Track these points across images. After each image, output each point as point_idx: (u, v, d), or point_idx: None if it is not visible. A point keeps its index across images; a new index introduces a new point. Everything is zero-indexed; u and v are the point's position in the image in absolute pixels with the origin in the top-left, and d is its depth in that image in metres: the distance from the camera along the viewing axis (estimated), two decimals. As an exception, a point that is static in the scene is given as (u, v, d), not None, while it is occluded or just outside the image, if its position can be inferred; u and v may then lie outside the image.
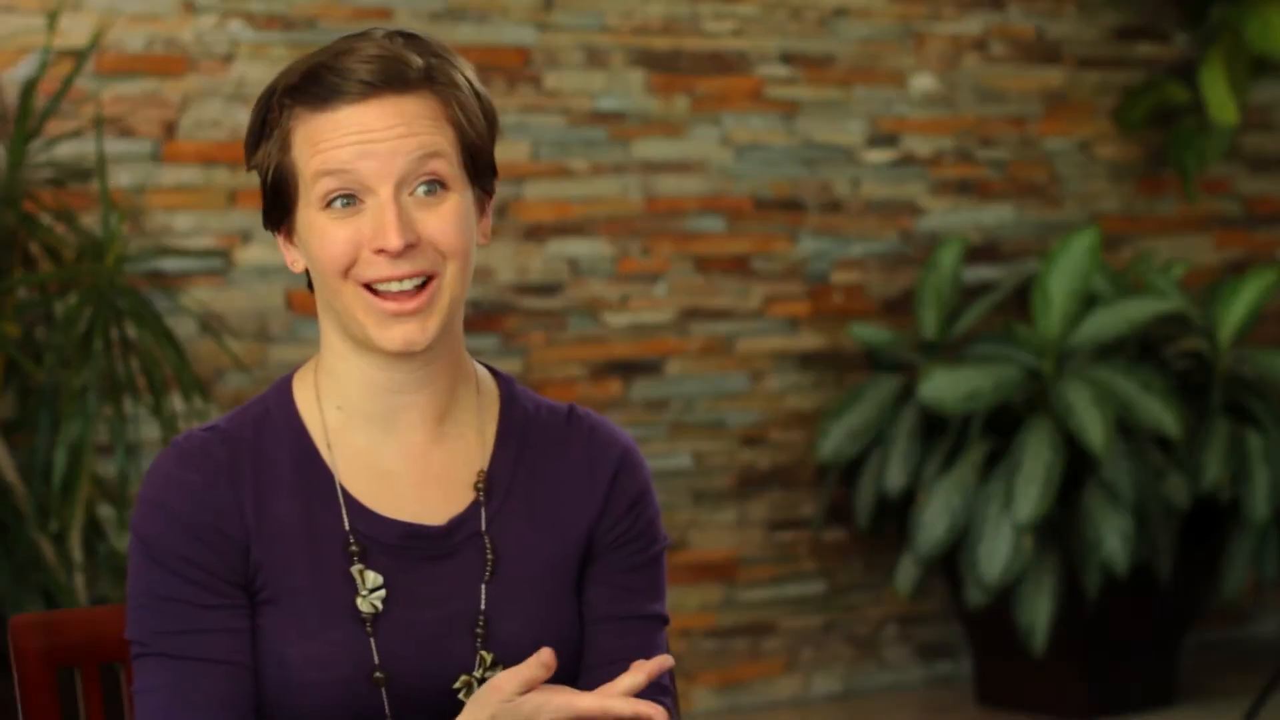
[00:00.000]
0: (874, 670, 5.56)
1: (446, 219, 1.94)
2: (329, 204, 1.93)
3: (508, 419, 2.04)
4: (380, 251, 1.91)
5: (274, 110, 1.96)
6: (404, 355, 1.95)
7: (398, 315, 1.92)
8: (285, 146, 1.95)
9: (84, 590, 4.11)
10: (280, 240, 2.01)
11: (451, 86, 1.96)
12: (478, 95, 1.99)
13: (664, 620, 2.05)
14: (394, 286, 1.92)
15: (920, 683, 5.63)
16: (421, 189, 1.93)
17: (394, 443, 2.00)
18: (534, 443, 2.04)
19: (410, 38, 1.98)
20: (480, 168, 1.98)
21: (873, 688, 5.55)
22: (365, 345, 1.96)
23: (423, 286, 1.93)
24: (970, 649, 5.46)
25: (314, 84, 1.93)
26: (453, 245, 1.94)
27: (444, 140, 1.94)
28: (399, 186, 1.92)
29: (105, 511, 4.41)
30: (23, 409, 4.26)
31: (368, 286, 1.93)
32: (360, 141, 1.91)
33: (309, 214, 1.94)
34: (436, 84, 1.95)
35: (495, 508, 2.00)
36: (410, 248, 1.91)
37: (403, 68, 1.94)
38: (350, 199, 1.93)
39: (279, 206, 1.98)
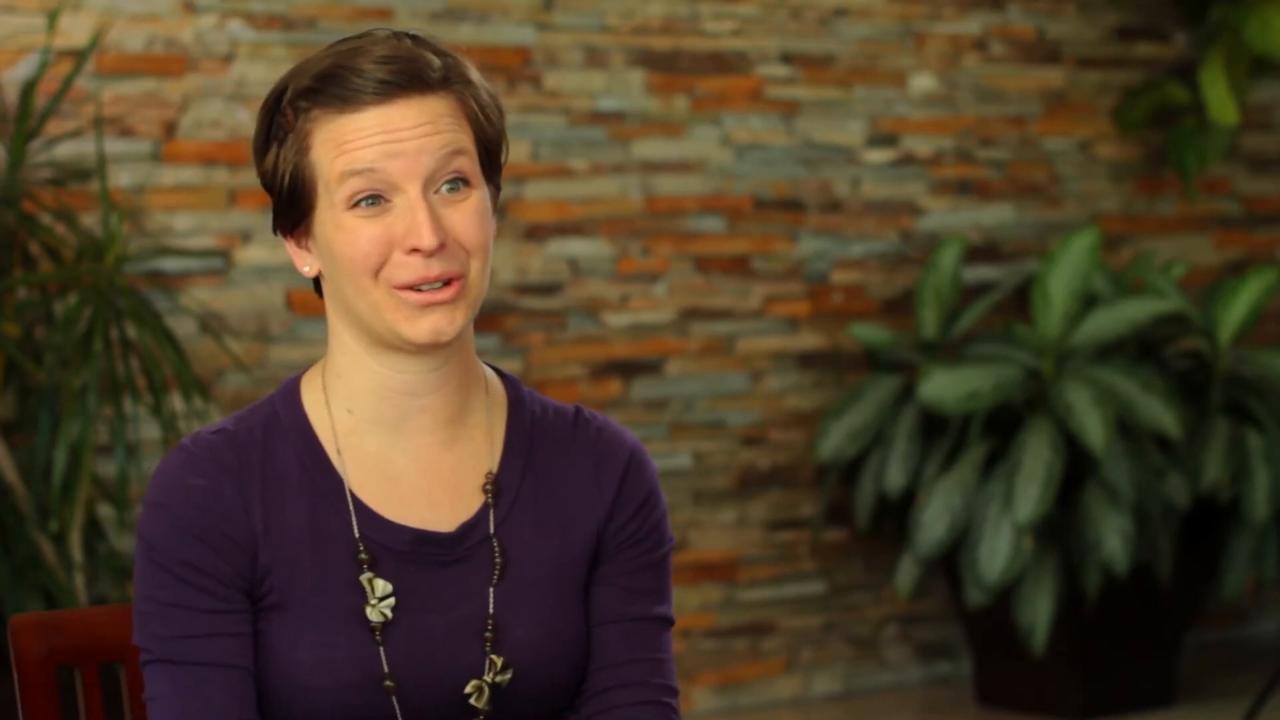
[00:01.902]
0: (874, 670, 5.56)
1: (470, 216, 1.94)
2: (355, 204, 1.92)
3: (516, 422, 2.03)
4: (414, 251, 1.90)
5: (286, 114, 1.95)
6: (427, 350, 1.94)
7: (428, 306, 1.92)
8: (303, 149, 1.93)
9: (84, 590, 4.11)
10: (290, 245, 1.99)
11: (468, 85, 1.96)
12: (489, 93, 1.99)
13: (669, 622, 2.05)
14: (424, 287, 1.91)
15: (920, 683, 5.63)
16: (445, 187, 1.93)
17: (404, 446, 1.99)
18: (542, 445, 2.03)
19: (415, 38, 1.97)
20: (495, 165, 1.99)
21: (873, 688, 5.55)
22: (388, 343, 1.95)
23: (450, 284, 1.93)
24: (970, 649, 5.46)
25: (333, 85, 1.92)
26: (476, 242, 1.94)
27: (465, 138, 1.94)
28: (427, 185, 1.92)
29: (105, 511, 4.41)
30: (23, 409, 4.26)
31: (397, 287, 1.92)
32: (387, 141, 1.90)
33: (333, 215, 1.93)
34: (455, 83, 1.95)
35: (504, 511, 2.00)
36: (441, 247, 1.91)
37: (423, 67, 1.93)
38: (376, 198, 1.92)
39: (295, 210, 1.96)
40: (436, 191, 1.93)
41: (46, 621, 2.12)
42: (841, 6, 5.46)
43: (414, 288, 1.92)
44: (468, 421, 2.01)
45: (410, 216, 1.91)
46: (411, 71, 1.92)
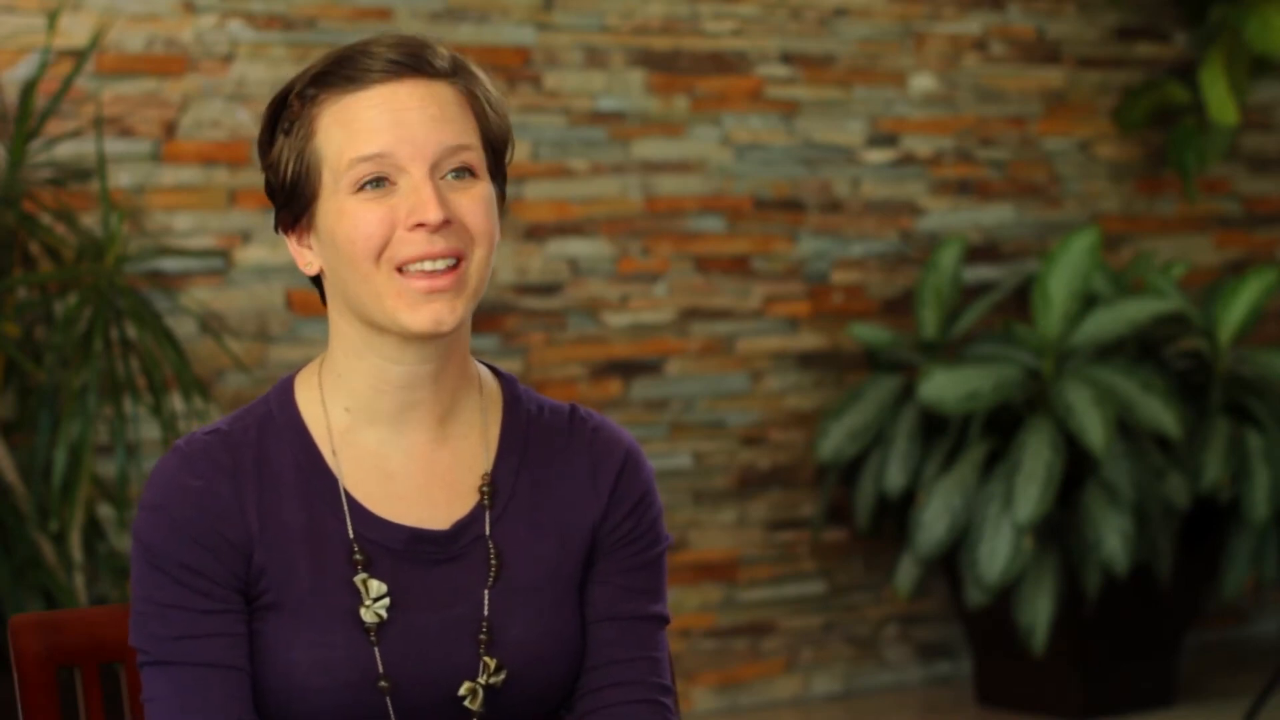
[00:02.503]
0: (874, 670, 5.56)
1: (476, 202, 1.94)
2: (361, 188, 1.92)
3: (511, 421, 2.03)
4: (419, 227, 1.90)
5: (292, 105, 1.96)
6: (426, 339, 1.94)
7: (430, 293, 1.91)
8: (309, 134, 1.94)
9: (84, 590, 4.11)
10: (292, 242, 1.99)
11: (475, 80, 1.98)
12: (496, 92, 2.00)
13: (665, 620, 2.05)
14: (426, 265, 1.91)
15: (920, 683, 5.63)
16: (451, 174, 1.94)
17: (400, 443, 1.99)
18: (537, 444, 2.03)
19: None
20: (500, 162, 2.00)
21: (873, 688, 5.55)
22: (389, 331, 1.94)
23: (453, 268, 1.93)
24: (970, 649, 5.46)
25: (341, 67, 1.93)
26: (481, 228, 1.94)
27: (471, 131, 1.95)
28: (433, 169, 1.92)
29: (105, 511, 4.41)
30: (23, 409, 4.26)
31: (399, 270, 1.92)
32: (395, 122, 1.91)
33: (337, 201, 1.93)
34: (462, 75, 1.97)
35: (499, 511, 2.00)
36: (446, 224, 1.91)
37: (431, 55, 1.95)
38: (381, 180, 1.92)
39: (298, 200, 1.96)
40: (442, 178, 1.93)
41: (46, 621, 2.12)
42: (841, 6, 5.46)
43: (418, 267, 1.91)
44: (460, 420, 2.01)
45: (415, 195, 1.91)
46: (420, 56, 1.94)
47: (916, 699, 5.50)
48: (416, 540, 1.97)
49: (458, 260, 1.93)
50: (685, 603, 5.27)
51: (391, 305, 1.92)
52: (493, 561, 1.98)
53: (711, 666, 5.34)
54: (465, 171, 1.94)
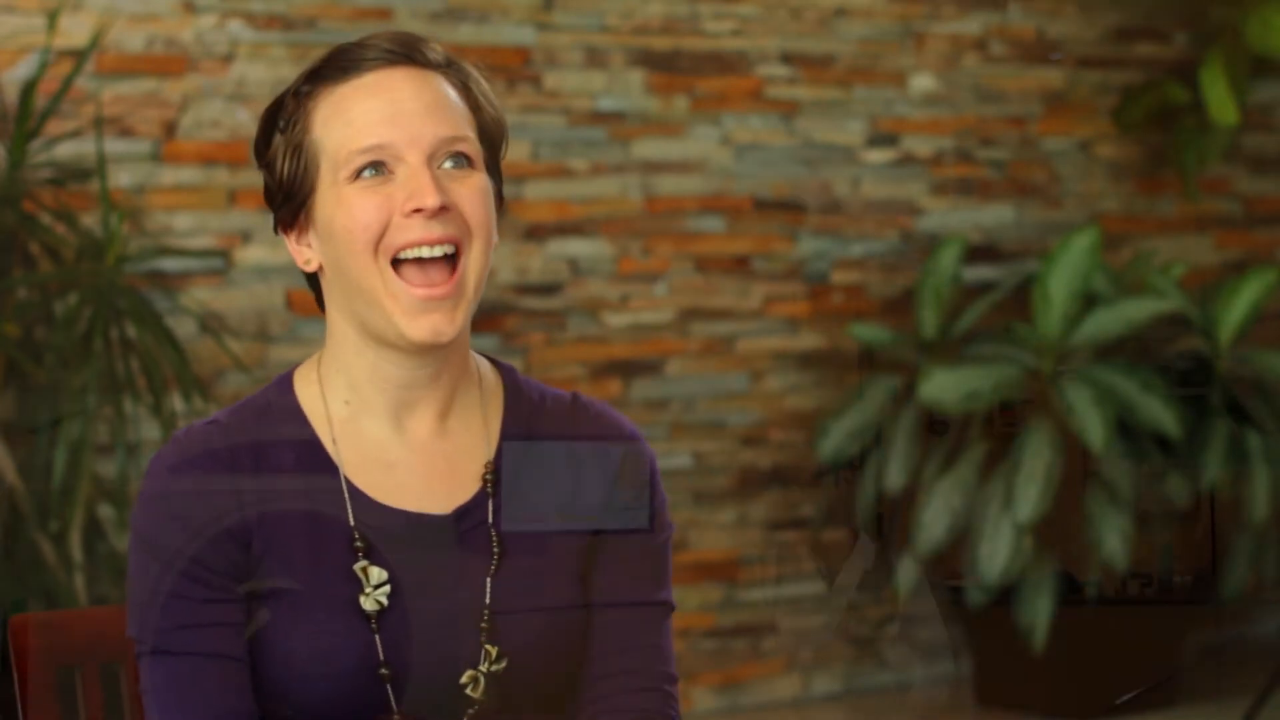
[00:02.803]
0: (874, 670, 5.56)
1: (474, 191, 1.94)
2: (358, 175, 1.92)
3: (513, 410, 2.04)
4: (415, 213, 1.90)
5: (288, 105, 1.96)
6: (427, 348, 1.94)
7: (427, 301, 1.91)
8: (306, 127, 1.94)
9: (84, 590, 4.11)
10: (291, 240, 1.99)
11: (469, 75, 1.99)
12: (490, 87, 2.01)
13: (669, 607, 2.06)
14: (424, 252, 1.91)
15: (920, 683, 5.62)
16: (449, 163, 1.94)
17: (401, 436, 1.99)
18: (539, 431, 2.03)
19: None
20: (495, 157, 2.00)
21: (873, 688, 5.55)
22: (387, 340, 1.95)
23: (452, 266, 1.92)
24: (970, 649, 5.45)
25: (336, 59, 1.95)
26: (479, 218, 1.94)
27: (467, 122, 1.96)
28: (430, 158, 1.93)
29: (105, 511, 4.41)
30: (23, 409, 4.26)
31: (396, 266, 1.91)
32: (392, 112, 1.92)
33: (335, 192, 1.93)
34: (456, 69, 1.97)
35: (501, 499, 2.00)
36: (443, 210, 1.91)
37: (425, 47, 1.96)
38: (379, 166, 1.92)
39: (295, 196, 1.96)
40: (440, 167, 1.93)
41: (46, 621, 2.12)
42: (841, 6, 5.46)
43: (414, 260, 1.91)
44: (460, 414, 2.01)
45: (413, 182, 1.91)
46: (414, 46, 1.96)
47: (916, 699, 5.50)
48: (417, 526, 1.97)
49: (455, 250, 1.93)
50: (685, 603, 5.27)
51: (389, 308, 1.92)
52: (495, 549, 1.98)
53: (711, 666, 5.33)
54: (462, 159, 1.94)
